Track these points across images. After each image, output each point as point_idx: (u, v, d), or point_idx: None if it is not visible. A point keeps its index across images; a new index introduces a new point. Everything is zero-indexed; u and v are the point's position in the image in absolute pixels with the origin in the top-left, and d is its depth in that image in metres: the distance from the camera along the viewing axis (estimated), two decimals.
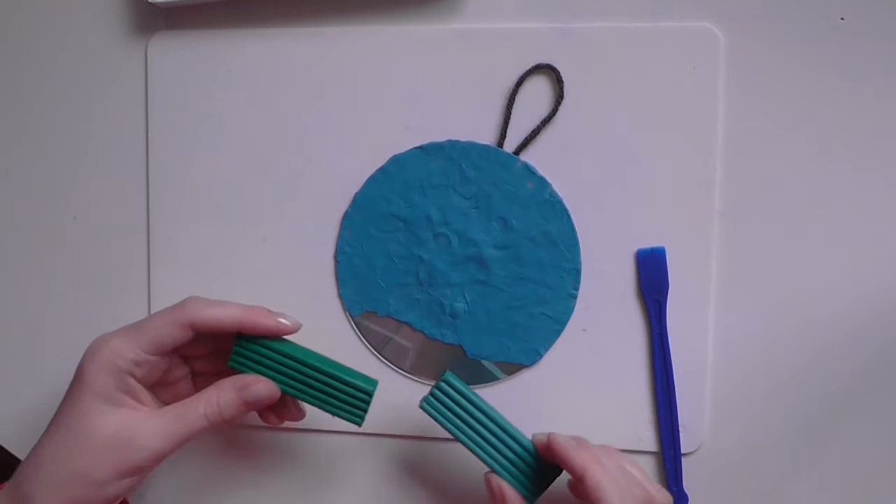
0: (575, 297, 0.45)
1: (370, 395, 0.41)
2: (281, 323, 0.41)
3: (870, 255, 0.44)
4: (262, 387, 0.41)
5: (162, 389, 0.43)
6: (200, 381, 0.44)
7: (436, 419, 0.42)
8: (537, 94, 0.45)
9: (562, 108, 0.45)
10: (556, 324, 0.45)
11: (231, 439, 0.49)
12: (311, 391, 0.41)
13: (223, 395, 0.41)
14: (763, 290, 0.44)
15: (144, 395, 0.41)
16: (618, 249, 0.45)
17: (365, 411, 0.42)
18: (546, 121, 0.45)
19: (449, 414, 0.42)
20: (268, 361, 0.41)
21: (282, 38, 0.47)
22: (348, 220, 0.47)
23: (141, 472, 0.40)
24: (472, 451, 0.41)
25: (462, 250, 0.46)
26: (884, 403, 0.44)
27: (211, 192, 0.48)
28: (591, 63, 0.45)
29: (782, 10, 0.44)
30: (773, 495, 0.45)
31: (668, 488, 0.45)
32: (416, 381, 0.47)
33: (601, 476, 0.38)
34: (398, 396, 0.47)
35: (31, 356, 0.52)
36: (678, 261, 0.45)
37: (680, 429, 0.45)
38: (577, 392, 0.46)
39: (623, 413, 0.45)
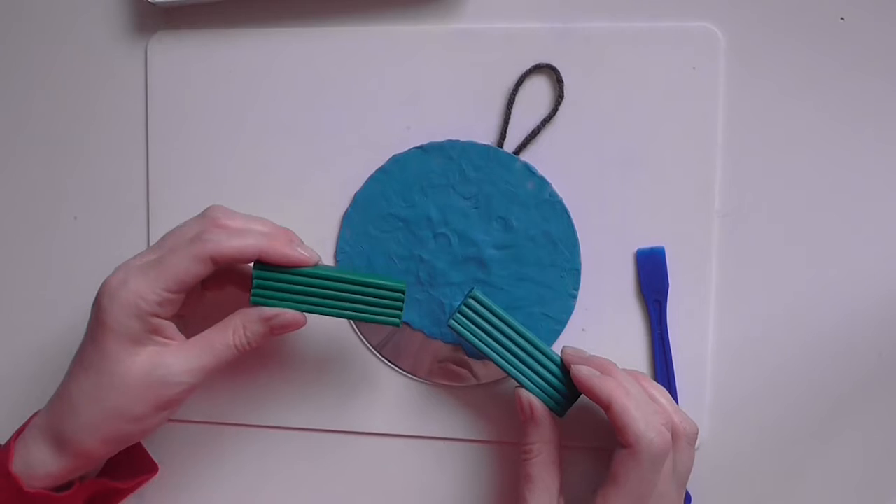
0: (575, 297, 0.45)
1: (403, 292, 0.41)
2: (301, 254, 0.41)
3: (870, 255, 0.44)
4: (290, 316, 0.41)
5: (181, 314, 0.43)
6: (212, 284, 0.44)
7: (464, 336, 0.42)
8: (537, 94, 0.45)
9: (562, 108, 0.45)
10: (556, 324, 0.45)
11: (231, 439, 0.49)
12: (344, 304, 0.41)
13: (250, 327, 0.40)
14: (763, 290, 0.44)
15: (171, 329, 0.41)
16: (618, 249, 0.45)
17: (401, 310, 0.41)
18: (546, 121, 0.45)
19: (477, 330, 0.42)
20: (291, 286, 0.41)
21: (282, 38, 0.47)
22: (348, 220, 0.47)
23: (176, 404, 0.41)
24: (500, 366, 0.42)
25: (462, 250, 0.46)
26: (884, 403, 0.44)
27: (211, 192, 0.48)
28: (591, 63, 0.45)
29: (782, 10, 0.44)
30: (774, 494, 0.45)
31: None
32: (416, 380, 0.47)
33: (627, 403, 0.38)
34: (398, 396, 0.47)
35: (31, 356, 0.52)
36: (678, 261, 0.45)
37: None
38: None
39: None
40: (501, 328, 0.42)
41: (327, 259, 0.48)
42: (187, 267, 0.39)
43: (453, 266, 0.46)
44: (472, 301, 0.42)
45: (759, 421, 0.45)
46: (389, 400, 0.47)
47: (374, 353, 0.47)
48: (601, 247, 0.45)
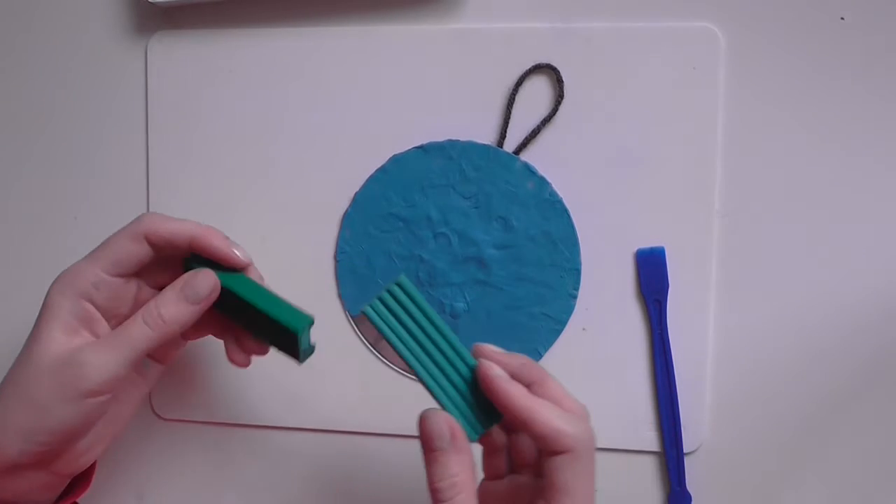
0: (575, 297, 0.45)
1: (297, 333, 0.38)
2: (233, 253, 0.39)
3: (870, 255, 0.44)
4: (200, 279, 0.38)
5: (160, 361, 0.42)
6: None
7: (378, 328, 0.37)
8: (537, 94, 0.45)
9: (562, 108, 0.45)
10: (556, 324, 0.45)
11: (231, 439, 0.49)
12: (255, 326, 0.40)
13: (162, 296, 0.38)
14: (763, 290, 0.44)
15: (103, 327, 0.39)
16: (618, 249, 0.45)
17: (299, 349, 0.39)
18: (546, 121, 0.45)
19: (395, 324, 0.37)
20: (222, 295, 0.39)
21: (282, 38, 0.47)
22: (348, 220, 0.47)
23: (87, 396, 0.37)
24: (411, 366, 0.37)
25: (462, 250, 0.46)
26: (884, 402, 0.44)
27: (211, 192, 0.48)
28: (591, 63, 0.45)
29: (782, 9, 0.44)
30: (775, 494, 0.45)
31: (672, 488, 0.45)
32: (416, 380, 0.47)
33: (545, 411, 0.34)
34: (398, 396, 0.47)
35: None
36: (678, 261, 0.44)
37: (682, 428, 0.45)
38: (577, 392, 0.45)
39: (624, 413, 0.45)
40: (422, 323, 0.37)
41: (327, 259, 0.48)
42: (124, 244, 0.38)
43: (453, 266, 0.46)
44: (396, 288, 0.37)
45: (759, 421, 0.45)
46: (389, 400, 0.47)
47: (373, 353, 0.47)
48: (601, 247, 0.45)
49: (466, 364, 0.37)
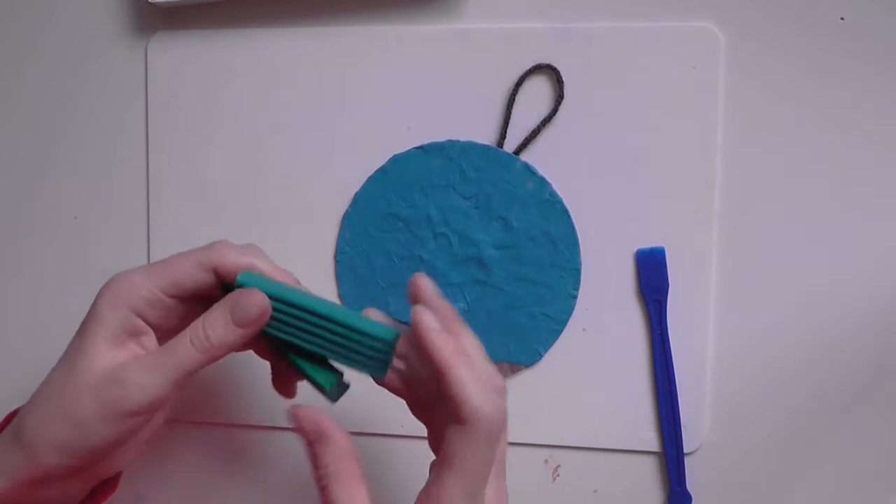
0: (575, 297, 0.45)
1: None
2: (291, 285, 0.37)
3: (870, 255, 0.44)
4: (248, 300, 0.36)
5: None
6: None
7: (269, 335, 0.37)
8: (537, 94, 0.45)
9: (562, 108, 0.45)
10: (556, 324, 0.45)
11: (231, 439, 0.49)
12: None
13: (209, 317, 0.36)
14: (763, 290, 0.44)
15: (152, 343, 0.37)
16: (618, 249, 0.45)
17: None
18: (546, 121, 0.45)
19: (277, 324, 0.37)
20: (280, 315, 0.37)
21: (282, 38, 0.47)
22: (348, 220, 0.47)
23: (129, 417, 0.35)
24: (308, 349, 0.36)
25: (462, 250, 0.46)
26: (884, 402, 0.44)
27: (211, 192, 0.48)
28: (591, 63, 0.45)
29: (782, 10, 0.44)
30: (775, 494, 0.45)
31: (672, 488, 0.45)
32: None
33: (464, 373, 0.33)
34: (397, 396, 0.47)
35: (31, 357, 0.51)
36: (678, 261, 0.44)
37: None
38: (577, 392, 0.46)
39: (624, 413, 0.45)
40: (288, 310, 0.37)
41: (327, 259, 0.48)
42: (190, 271, 0.37)
43: (453, 266, 0.46)
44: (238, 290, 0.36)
45: (759, 421, 0.45)
46: (389, 400, 0.47)
47: None
48: (601, 247, 0.45)
49: (344, 324, 0.36)
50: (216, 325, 0.36)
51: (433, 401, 0.37)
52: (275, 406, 0.48)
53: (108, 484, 0.41)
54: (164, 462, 0.49)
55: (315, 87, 0.47)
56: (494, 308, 0.46)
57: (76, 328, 0.51)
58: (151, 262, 0.49)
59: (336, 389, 0.38)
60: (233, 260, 0.37)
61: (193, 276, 0.37)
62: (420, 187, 0.46)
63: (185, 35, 0.48)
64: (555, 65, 0.45)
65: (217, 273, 0.37)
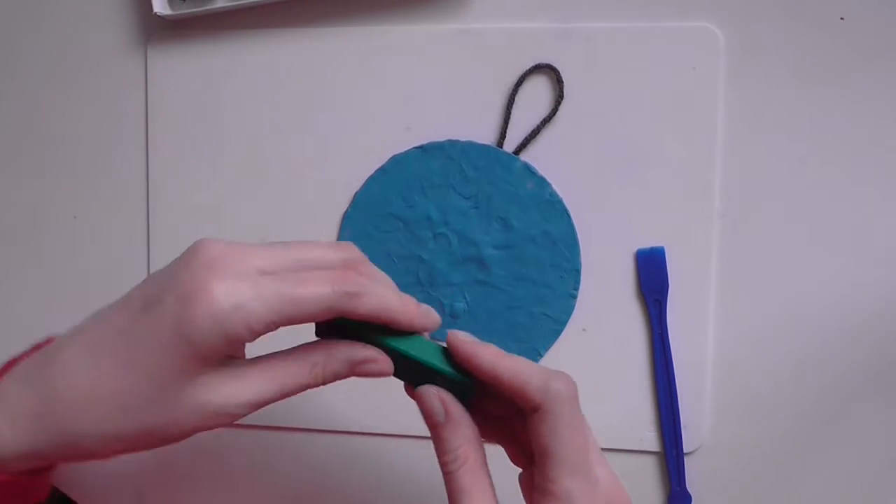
0: (575, 297, 0.45)
1: (471, 391, 0.34)
2: (425, 316, 0.34)
3: (869, 255, 0.44)
4: (381, 366, 0.33)
5: None
6: None
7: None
8: (537, 94, 0.45)
9: (562, 108, 0.45)
10: (556, 324, 0.45)
11: (231, 439, 0.49)
12: (404, 376, 0.35)
13: (331, 367, 0.33)
14: (763, 290, 0.44)
15: (241, 348, 0.33)
16: (618, 249, 0.45)
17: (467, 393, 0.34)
18: (546, 121, 0.45)
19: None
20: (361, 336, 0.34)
21: (281, 39, 0.47)
22: (348, 220, 0.47)
23: (209, 429, 0.33)
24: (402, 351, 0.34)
25: (462, 250, 0.46)
26: (884, 402, 0.44)
27: (211, 192, 0.48)
28: (591, 63, 0.45)
29: (782, 10, 0.44)
30: (775, 494, 0.45)
31: (672, 488, 0.45)
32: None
33: (513, 363, 0.32)
34: (397, 396, 0.47)
35: None
36: (678, 261, 0.44)
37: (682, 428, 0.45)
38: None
39: (624, 413, 0.45)
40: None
41: None
42: (317, 309, 0.31)
43: (453, 266, 0.46)
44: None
45: (759, 421, 0.45)
46: (389, 400, 0.47)
47: None
48: (601, 247, 0.45)
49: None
50: (338, 371, 0.34)
51: (503, 418, 0.36)
52: (274, 406, 0.48)
53: None
54: (164, 462, 0.49)
55: (315, 88, 0.47)
56: (494, 308, 0.46)
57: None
58: (151, 261, 0.49)
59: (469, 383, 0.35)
60: (370, 307, 0.32)
61: (318, 311, 0.31)
62: (420, 187, 0.46)
63: (185, 36, 0.48)
64: (555, 65, 0.45)
65: (349, 316, 0.32)
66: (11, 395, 0.33)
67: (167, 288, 0.31)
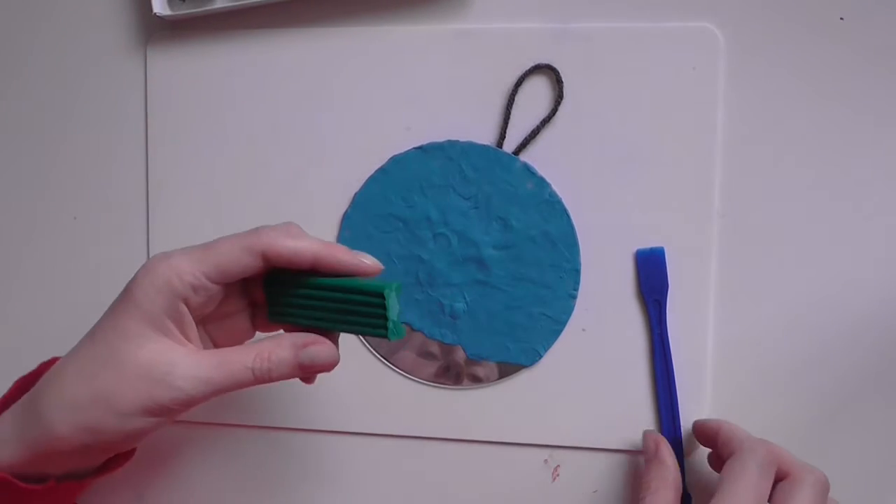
0: (575, 297, 0.45)
1: (383, 298, 0.35)
2: (362, 262, 0.37)
3: (870, 255, 0.44)
4: (322, 349, 0.36)
5: (215, 325, 0.39)
6: (260, 317, 0.40)
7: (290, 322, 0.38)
8: (537, 94, 0.45)
9: (562, 108, 0.45)
10: (556, 324, 0.45)
11: (231, 440, 0.49)
12: (335, 316, 0.37)
13: (277, 352, 0.36)
14: (763, 290, 0.44)
15: (193, 331, 0.37)
16: (618, 249, 0.45)
17: (385, 319, 0.36)
18: (546, 121, 0.45)
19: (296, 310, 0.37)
20: (299, 300, 0.37)
21: (281, 39, 0.47)
22: (348, 220, 0.47)
23: (168, 413, 0.36)
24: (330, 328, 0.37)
25: (462, 250, 0.46)
26: (884, 402, 0.44)
27: (211, 192, 0.48)
28: (591, 63, 0.45)
29: (782, 10, 0.44)
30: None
31: None
32: (416, 380, 0.47)
33: (732, 426, 0.41)
34: (397, 396, 0.47)
35: (30, 357, 0.51)
36: (678, 261, 0.44)
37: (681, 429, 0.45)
38: (577, 392, 0.46)
39: (624, 413, 0.45)
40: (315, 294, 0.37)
41: None
42: (237, 255, 0.35)
43: (453, 266, 0.46)
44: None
45: (759, 421, 0.45)
46: (388, 400, 0.47)
47: (373, 354, 0.47)
48: (601, 247, 0.45)
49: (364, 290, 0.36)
50: (283, 366, 0.36)
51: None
52: (275, 406, 0.49)
53: (124, 454, 0.41)
54: (164, 462, 0.49)
55: (315, 88, 0.47)
56: (494, 308, 0.46)
57: (76, 327, 0.51)
58: None
59: (384, 299, 0.36)
60: (284, 244, 0.36)
61: (242, 261, 0.36)
62: (420, 187, 0.46)
63: (185, 36, 0.48)
64: (554, 65, 0.45)
65: (266, 258, 0.36)
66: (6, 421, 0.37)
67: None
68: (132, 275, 0.47)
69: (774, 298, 0.44)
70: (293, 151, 0.48)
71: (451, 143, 0.46)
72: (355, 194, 0.47)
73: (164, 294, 0.35)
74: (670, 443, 0.44)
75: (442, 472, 0.47)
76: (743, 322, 0.45)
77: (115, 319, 0.36)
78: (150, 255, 0.38)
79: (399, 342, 0.46)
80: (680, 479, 0.41)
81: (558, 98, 0.45)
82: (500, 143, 0.46)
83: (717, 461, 0.42)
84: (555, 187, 0.45)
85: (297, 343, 0.36)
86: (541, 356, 0.46)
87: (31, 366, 0.52)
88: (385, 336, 0.36)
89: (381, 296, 0.35)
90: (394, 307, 0.36)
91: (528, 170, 0.45)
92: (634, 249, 0.45)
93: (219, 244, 0.36)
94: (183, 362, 0.35)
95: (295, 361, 0.36)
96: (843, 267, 0.44)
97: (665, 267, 0.44)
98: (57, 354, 0.51)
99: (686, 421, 0.45)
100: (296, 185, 0.48)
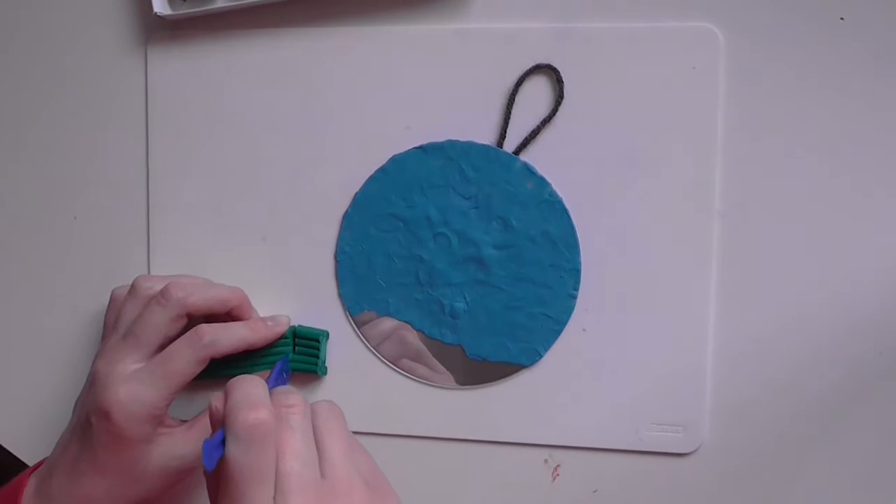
0: (575, 298, 0.45)
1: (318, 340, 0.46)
2: (274, 331, 0.46)
3: (871, 255, 0.44)
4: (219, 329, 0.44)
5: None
6: None
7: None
8: (537, 94, 0.45)
9: (562, 108, 0.45)
10: (556, 324, 0.45)
11: None
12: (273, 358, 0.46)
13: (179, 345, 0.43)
14: (763, 290, 0.44)
15: (168, 416, 0.44)
16: (618, 249, 0.45)
17: (316, 357, 0.46)
18: (546, 121, 0.45)
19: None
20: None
21: (281, 39, 0.47)
22: (348, 220, 0.47)
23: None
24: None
25: (462, 250, 0.46)
26: (884, 403, 0.44)
27: (211, 192, 0.48)
28: (591, 63, 0.45)
29: (782, 10, 0.44)
30: (775, 495, 0.45)
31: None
32: (415, 380, 0.47)
33: None
34: (397, 396, 0.47)
35: (30, 356, 0.52)
36: (678, 261, 0.44)
37: (680, 429, 0.45)
38: (577, 392, 0.46)
39: (624, 413, 0.45)
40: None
41: (327, 259, 0.48)
42: (192, 369, 0.42)
43: (453, 266, 0.46)
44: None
45: (760, 422, 0.45)
46: (390, 400, 0.47)
47: (373, 353, 0.47)
48: (601, 247, 0.45)
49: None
50: (189, 360, 0.43)
51: None
52: None
53: None
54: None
55: (314, 87, 0.47)
56: (494, 308, 0.46)
57: (76, 327, 0.51)
58: (151, 261, 0.49)
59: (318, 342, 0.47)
60: (225, 343, 0.44)
61: (195, 370, 0.43)
62: (420, 187, 0.46)
63: (185, 36, 0.48)
64: (555, 65, 0.45)
65: (213, 357, 0.43)
66: None
67: (89, 412, 0.42)
68: (132, 275, 0.47)
69: (775, 298, 0.44)
70: (293, 151, 0.48)
71: (451, 143, 0.46)
72: (355, 194, 0.47)
73: (150, 425, 0.42)
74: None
75: (442, 471, 0.47)
76: (743, 322, 0.45)
77: (116, 453, 0.42)
78: (120, 390, 0.42)
79: (399, 342, 0.47)
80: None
81: (559, 98, 0.45)
82: (500, 143, 0.46)
83: None
84: (555, 187, 0.45)
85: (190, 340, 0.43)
86: (541, 356, 0.46)
87: (31, 366, 0.52)
88: (315, 372, 0.47)
89: (317, 339, 0.47)
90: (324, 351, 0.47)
91: (529, 170, 0.45)
92: (634, 249, 0.45)
93: (172, 364, 0.42)
94: (186, 447, 0.44)
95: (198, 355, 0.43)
96: (843, 266, 0.44)
97: (663, 267, 0.44)
98: (56, 354, 0.51)
99: (686, 420, 0.45)
100: (296, 185, 0.48)
